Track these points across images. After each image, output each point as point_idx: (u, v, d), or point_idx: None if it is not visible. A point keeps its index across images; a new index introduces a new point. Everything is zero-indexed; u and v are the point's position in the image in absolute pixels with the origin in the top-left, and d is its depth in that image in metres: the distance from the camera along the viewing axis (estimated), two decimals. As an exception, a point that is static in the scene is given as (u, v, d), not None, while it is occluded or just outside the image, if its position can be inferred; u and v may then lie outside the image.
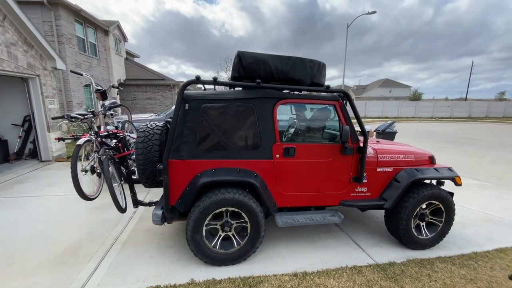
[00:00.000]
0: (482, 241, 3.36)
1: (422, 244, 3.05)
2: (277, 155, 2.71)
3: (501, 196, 5.16)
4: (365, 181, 2.96)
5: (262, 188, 2.62)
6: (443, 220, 3.06)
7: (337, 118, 2.86)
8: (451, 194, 3.12)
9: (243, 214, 2.60)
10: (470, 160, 9.03)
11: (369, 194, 3.03)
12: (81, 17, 11.86)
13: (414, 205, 2.90)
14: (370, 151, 3.00)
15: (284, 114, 4.61)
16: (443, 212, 3.04)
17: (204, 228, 2.56)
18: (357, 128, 3.00)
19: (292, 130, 3.50)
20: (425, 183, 3.02)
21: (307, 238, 3.31)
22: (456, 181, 3.03)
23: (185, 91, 2.51)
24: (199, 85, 5.01)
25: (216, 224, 2.64)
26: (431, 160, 3.25)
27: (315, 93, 3.12)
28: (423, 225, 3.08)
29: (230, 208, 2.58)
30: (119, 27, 15.95)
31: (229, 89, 3.20)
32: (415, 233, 3.01)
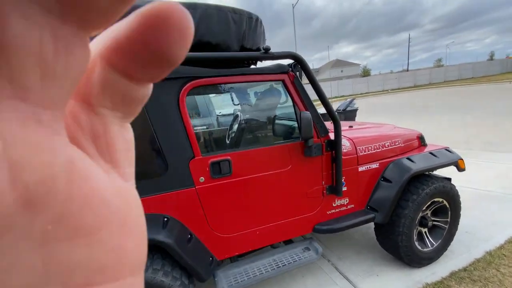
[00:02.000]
0: (489, 231, 2.67)
1: (429, 259, 2.22)
2: (202, 178, 1.58)
3: (477, 163, 4.74)
4: (344, 188, 2.00)
5: (180, 244, 1.46)
6: (448, 220, 2.26)
7: (290, 102, 1.82)
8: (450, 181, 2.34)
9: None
10: (431, 127, 8.94)
11: (353, 206, 2.08)
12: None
13: (415, 211, 2.02)
14: (345, 143, 2.02)
15: (223, 105, 3.48)
16: (448, 210, 2.23)
17: None
18: (322, 111, 2.01)
19: (233, 132, 2.39)
20: (423, 176, 2.16)
21: (273, 279, 2.27)
22: (459, 165, 2.23)
23: None
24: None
25: None
26: (421, 140, 2.41)
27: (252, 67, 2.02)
28: (425, 232, 2.25)
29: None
30: None
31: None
32: (419, 247, 2.15)
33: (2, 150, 0.09)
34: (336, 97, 29.46)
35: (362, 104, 20.35)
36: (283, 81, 1.76)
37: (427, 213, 2.21)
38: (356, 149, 2.02)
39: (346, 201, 2.04)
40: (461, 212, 2.65)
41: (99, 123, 0.12)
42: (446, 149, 2.29)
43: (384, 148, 2.13)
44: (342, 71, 59.84)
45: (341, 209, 2.03)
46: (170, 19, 0.10)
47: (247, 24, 1.71)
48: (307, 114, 1.60)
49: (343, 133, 2.20)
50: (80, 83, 0.12)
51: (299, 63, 1.70)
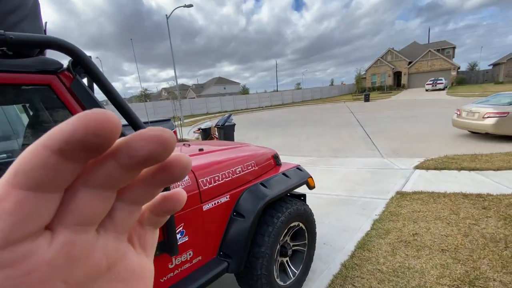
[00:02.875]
0: (342, 238, 2.86)
1: (292, 290, 2.01)
2: None
3: (328, 169, 5.54)
4: (185, 239, 1.44)
5: None
6: (306, 242, 2.15)
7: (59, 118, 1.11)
8: (302, 198, 2.29)
9: None
10: (294, 140, 10.30)
11: (200, 258, 1.55)
12: None
13: (273, 245, 1.73)
14: (181, 176, 1.49)
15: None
16: (305, 232, 2.12)
17: None
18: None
19: None
20: (278, 201, 1.94)
21: None
22: (309, 183, 2.18)
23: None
24: None
25: None
26: (276, 160, 2.25)
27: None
28: (287, 262, 2.03)
29: None
30: None
31: None
32: (281, 283, 1.89)
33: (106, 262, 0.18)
34: (219, 112, 30.43)
35: (243, 118, 21.84)
36: (50, 86, 1.02)
37: (286, 240, 2.00)
38: (197, 182, 1.52)
39: (190, 255, 1.49)
40: (318, 220, 2.71)
41: (143, 231, 0.22)
42: (297, 168, 2.21)
43: (235, 175, 1.76)
44: (225, 88, 63.46)
45: (183, 267, 1.45)
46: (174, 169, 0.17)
47: None
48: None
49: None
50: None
51: (72, 56, 1.01)
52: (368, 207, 3.55)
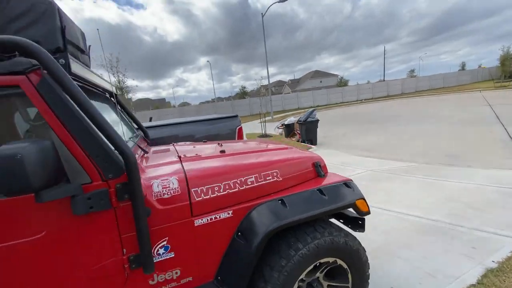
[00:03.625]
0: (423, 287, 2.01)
1: None
2: None
3: (430, 183, 4.20)
4: (170, 255, 1.26)
5: None
6: (350, 286, 1.57)
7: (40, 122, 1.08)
8: (360, 222, 1.69)
9: None
10: (392, 139, 8.57)
11: (190, 279, 1.33)
12: None
13: (285, 283, 1.31)
14: (168, 183, 1.29)
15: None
16: (347, 272, 1.55)
17: None
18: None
19: None
20: (301, 226, 1.46)
21: None
22: (359, 208, 1.56)
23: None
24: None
25: None
26: (317, 169, 1.74)
27: None
28: (317, 306, 1.53)
29: None
30: None
31: None
32: (302, 334, 1.44)
33: None
34: (311, 106, 29.47)
35: (335, 113, 20.27)
36: (19, 86, 1.01)
37: (317, 277, 1.51)
38: (189, 191, 1.29)
39: (177, 273, 1.29)
40: (392, 252, 1.97)
41: None
42: (346, 183, 1.63)
43: (244, 187, 1.42)
44: (321, 81, 60.96)
45: (168, 286, 1.27)
46: None
47: None
48: (12, 149, 0.84)
49: (170, 164, 1.49)
50: None
51: (33, 57, 0.95)
52: (482, 247, 2.39)
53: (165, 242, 1.24)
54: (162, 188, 1.25)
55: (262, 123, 11.18)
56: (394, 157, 6.18)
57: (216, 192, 1.34)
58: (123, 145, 1.06)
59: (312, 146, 8.44)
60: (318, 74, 62.96)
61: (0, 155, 0.81)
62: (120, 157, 1.09)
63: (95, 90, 1.78)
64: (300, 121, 9.41)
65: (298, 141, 9.85)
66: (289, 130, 11.06)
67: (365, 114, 17.50)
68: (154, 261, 1.21)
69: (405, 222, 2.97)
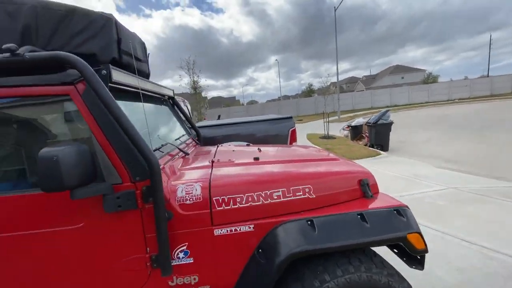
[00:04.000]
0: None
1: None
2: None
3: (541, 212, 3.16)
4: (189, 260, 1.27)
5: None
6: (393, 335, 1.28)
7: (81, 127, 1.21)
8: (422, 259, 1.36)
9: None
10: (491, 150, 6.86)
11: (208, 287, 1.32)
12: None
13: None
14: (192, 189, 1.29)
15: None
16: (388, 319, 1.26)
17: None
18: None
19: None
20: (334, 254, 1.26)
21: None
22: (412, 244, 1.24)
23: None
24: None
25: None
26: (363, 187, 1.48)
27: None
28: None
29: None
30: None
31: None
32: None
33: None
34: (387, 106, 26.26)
35: (418, 114, 17.53)
36: (70, 96, 1.16)
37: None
38: (210, 199, 1.27)
39: (195, 279, 1.29)
40: None
41: None
42: (398, 210, 1.33)
43: (270, 200, 1.31)
44: (402, 77, 53.76)
45: (185, 291, 1.29)
46: None
47: (33, 18, 1.22)
48: (51, 151, 0.96)
49: (201, 168, 1.48)
50: None
51: (75, 68, 1.08)
52: None
53: (185, 247, 1.25)
54: (186, 193, 1.26)
55: (325, 123, 10.60)
56: (490, 173, 4.92)
57: (238, 203, 1.28)
58: (147, 151, 1.11)
59: (382, 152, 7.51)
60: (399, 69, 55.81)
61: (41, 156, 0.94)
62: (146, 159, 1.14)
63: (150, 95, 1.96)
64: (370, 123, 8.50)
65: (365, 145, 8.96)
66: (356, 132, 10.15)
67: (457, 117, 14.60)
68: (174, 264, 1.24)
69: (491, 261, 2.30)
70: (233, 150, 2.05)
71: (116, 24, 1.55)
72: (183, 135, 2.20)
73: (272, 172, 1.47)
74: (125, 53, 1.63)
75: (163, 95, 2.33)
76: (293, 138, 4.17)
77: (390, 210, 1.32)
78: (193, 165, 1.58)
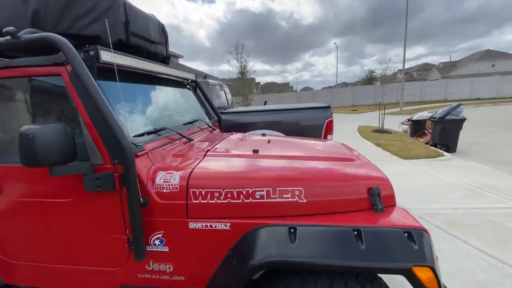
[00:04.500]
0: None
1: None
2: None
3: None
4: (165, 249, 1.24)
5: None
6: None
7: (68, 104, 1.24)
8: None
9: None
10: None
11: (182, 278, 1.28)
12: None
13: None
14: (169, 177, 1.24)
15: None
16: None
17: None
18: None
19: None
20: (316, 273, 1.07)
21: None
22: (419, 280, 0.96)
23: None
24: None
25: None
26: (373, 198, 1.20)
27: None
28: None
29: None
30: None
31: None
32: None
33: None
34: (467, 99, 22.09)
35: (505, 110, 14.31)
36: (61, 76, 1.20)
37: None
38: (187, 191, 1.19)
39: (170, 268, 1.26)
40: None
41: None
42: (409, 233, 1.04)
43: (251, 200, 1.16)
44: (493, 65, 44.21)
45: (160, 277, 1.28)
46: None
47: (42, 2, 1.28)
48: (29, 129, 0.99)
49: (188, 154, 1.41)
50: None
51: (59, 50, 1.09)
52: None
53: (160, 235, 1.23)
54: (164, 181, 1.22)
55: (380, 115, 9.51)
56: None
57: (215, 199, 1.18)
58: (119, 135, 1.08)
59: (445, 153, 6.39)
60: (490, 55, 45.99)
61: (20, 133, 0.99)
62: (123, 143, 1.12)
63: (164, 77, 1.96)
64: (435, 118, 7.25)
65: (427, 143, 7.76)
66: (417, 127, 8.85)
67: None
68: (150, 249, 1.24)
69: None
70: (241, 139, 1.94)
71: (126, 5, 1.54)
72: (196, 120, 2.17)
73: (259, 167, 1.32)
74: (134, 34, 1.63)
75: (184, 79, 2.33)
76: (329, 130, 3.82)
77: (398, 231, 1.05)
78: (188, 153, 1.53)
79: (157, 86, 1.89)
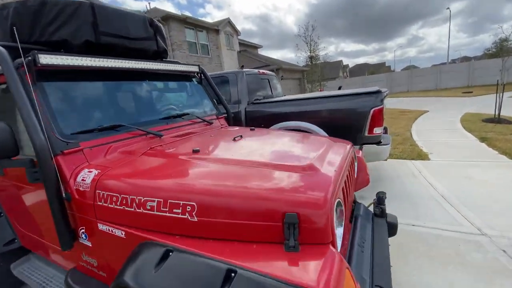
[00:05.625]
0: None
1: None
2: None
3: None
4: (89, 244, 1.28)
5: None
6: None
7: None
8: None
9: None
10: None
11: (104, 274, 1.29)
12: (191, 24, 13.91)
13: None
14: (88, 175, 1.23)
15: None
16: None
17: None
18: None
19: None
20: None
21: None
22: None
23: None
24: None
25: None
26: (286, 228, 0.86)
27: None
28: None
29: None
30: (230, 23, 17.27)
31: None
32: None
33: None
34: None
35: None
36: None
37: None
38: (95, 191, 1.16)
39: (95, 263, 1.30)
40: None
41: None
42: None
43: (142, 210, 1.02)
44: None
45: (90, 268, 1.34)
46: None
47: (17, 17, 1.48)
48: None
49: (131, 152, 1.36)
50: None
51: None
52: None
53: (84, 230, 1.27)
54: (81, 180, 1.24)
55: (498, 99, 6.99)
56: None
57: (113, 203, 1.11)
58: (32, 133, 1.15)
59: None
60: None
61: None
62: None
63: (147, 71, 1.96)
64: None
65: None
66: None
67: None
68: (81, 241, 1.31)
69: None
70: (211, 136, 1.77)
71: (93, 7, 1.60)
72: (186, 114, 2.10)
73: (162, 174, 1.16)
74: (105, 34, 1.69)
75: (182, 72, 2.30)
76: (377, 122, 3.06)
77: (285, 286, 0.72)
78: (134, 151, 1.50)
79: (124, 82, 1.87)
